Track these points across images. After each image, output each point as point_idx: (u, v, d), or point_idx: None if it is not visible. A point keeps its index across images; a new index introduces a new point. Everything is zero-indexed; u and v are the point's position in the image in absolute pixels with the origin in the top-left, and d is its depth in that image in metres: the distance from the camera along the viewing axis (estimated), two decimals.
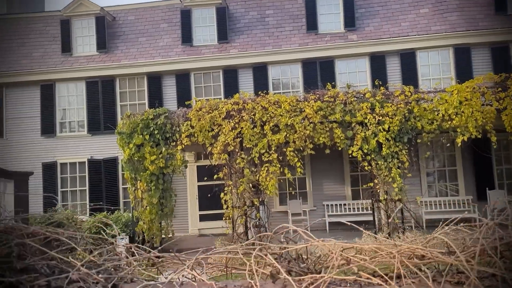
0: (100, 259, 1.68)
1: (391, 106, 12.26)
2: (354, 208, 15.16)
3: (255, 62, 16.81)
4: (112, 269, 1.69)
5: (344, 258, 1.49)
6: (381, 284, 1.33)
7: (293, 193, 14.75)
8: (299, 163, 12.18)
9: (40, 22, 19.49)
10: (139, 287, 1.48)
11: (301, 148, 12.46)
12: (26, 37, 19.06)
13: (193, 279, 1.67)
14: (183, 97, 16.73)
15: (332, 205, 15.33)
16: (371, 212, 14.19)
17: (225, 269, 1.79)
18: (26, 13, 20.18)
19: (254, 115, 12.45)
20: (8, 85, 17.97)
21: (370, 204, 13.52)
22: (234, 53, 16.88)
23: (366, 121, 12.23)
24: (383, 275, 1.41)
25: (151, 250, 2.38)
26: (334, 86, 14.78)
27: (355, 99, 12.56)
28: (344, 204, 15.33)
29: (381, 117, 12.13)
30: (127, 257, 1.85)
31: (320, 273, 1.55)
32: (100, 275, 1.57)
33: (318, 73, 16.52)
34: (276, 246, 1.71)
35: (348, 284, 1.43)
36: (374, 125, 12.13)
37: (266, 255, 1.61)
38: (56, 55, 18.27)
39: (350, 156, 12.80)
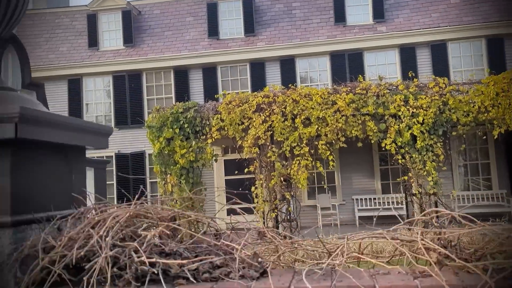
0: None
1: (425, 98, 12.00)
2: (384, 202, 14.94)
3: (283, 55, 16.64)
4: (259, 254, 1.60)
5: None
6: None
7: (324, 187, 14.59)
8: (331, 157, 12.02)
9: (66, 17, 19.58)
10: (305, 272, 1.37)
11: (332, 141, 12.28)
12: (53, 32, 19.18)
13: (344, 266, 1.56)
14: (210, 90, 16.67)
15: (361, 199, 15.13)
16: (402, 206, 13.99)
17: (358, 257, 1.68)
18: (52, 8, 20.30)
19: (285, 108, 12.30)
20: (36, 80, 18.07)
21: (402, 198, 13.30)
22: (261, 46, 16.73)
23: (399, 113, 12.00)
24: None
25: (290, 235, 2.28)
26: (364, 79, 14.55)
27: (388, 91, 12.33)
28: (374, 198, 15.11)
29: (415, 110, 11.89)
30: (268, 243, 1.75)
31: (479, 260, 1.43)
32: (257, 260, 1.48)
33: (347, 65, 16.28)
34: (431, 231, 1.59)
35: None
36: (408, 117, 11.89)
37: (422, 239, 1.49)
38: (83, 49, 18.35)
39: (383, 149, 12.58)
